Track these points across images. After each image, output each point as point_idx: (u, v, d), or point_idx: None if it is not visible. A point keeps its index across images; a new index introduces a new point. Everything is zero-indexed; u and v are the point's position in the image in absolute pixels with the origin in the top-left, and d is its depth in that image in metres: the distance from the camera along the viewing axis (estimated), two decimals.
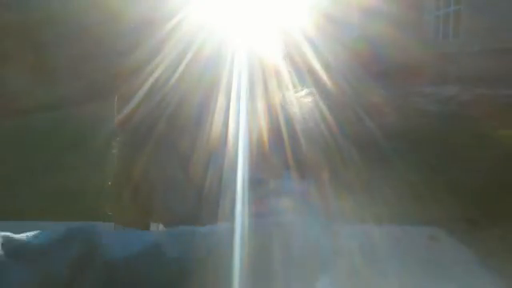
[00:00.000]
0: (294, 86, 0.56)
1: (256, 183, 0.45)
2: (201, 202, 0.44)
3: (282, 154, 0.48)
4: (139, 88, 0.56)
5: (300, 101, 0.56)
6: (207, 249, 0.45)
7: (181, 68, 0.49)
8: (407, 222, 3.39)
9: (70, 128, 7.61)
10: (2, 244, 0.63)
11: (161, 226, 0.72)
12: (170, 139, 0.57)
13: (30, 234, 0.65)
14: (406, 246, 3.02)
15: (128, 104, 0.69)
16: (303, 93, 0.56)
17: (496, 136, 5.96)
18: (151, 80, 0.53)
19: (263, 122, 0.47)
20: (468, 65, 11.57)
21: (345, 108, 6.58)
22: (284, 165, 0.49)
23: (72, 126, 7.86)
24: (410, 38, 12.32)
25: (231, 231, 0.40)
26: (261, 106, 0.48)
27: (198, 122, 0.45)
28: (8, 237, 0.65)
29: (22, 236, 0.66)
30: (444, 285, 2.56)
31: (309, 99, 0.56)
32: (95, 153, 5.19)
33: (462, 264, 2.78)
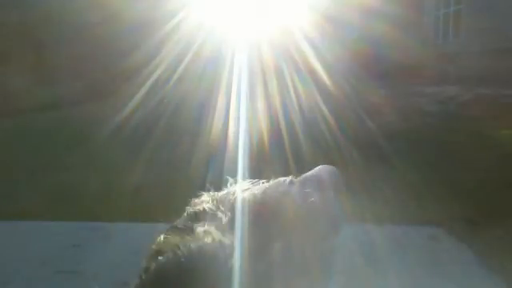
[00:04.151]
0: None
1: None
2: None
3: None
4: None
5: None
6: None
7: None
8: (407, 221, 3.39)
9: (69, 128, 7.60)
10: None
11: None
12: None
13: None
14: (405, 246, 3.02)
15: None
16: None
17: (496, 136, 5.96)
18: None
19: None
20: (468, 65, 11.56)
21: (345, 108, 6.57)
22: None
23: (72, 125, 7.85)
24: (410, 38, 12.31)
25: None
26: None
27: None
28: None
29: None
30: (444, 284, 2.56)
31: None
32: (94, 152, 5.17)
33: (462, 264, 2.78)
